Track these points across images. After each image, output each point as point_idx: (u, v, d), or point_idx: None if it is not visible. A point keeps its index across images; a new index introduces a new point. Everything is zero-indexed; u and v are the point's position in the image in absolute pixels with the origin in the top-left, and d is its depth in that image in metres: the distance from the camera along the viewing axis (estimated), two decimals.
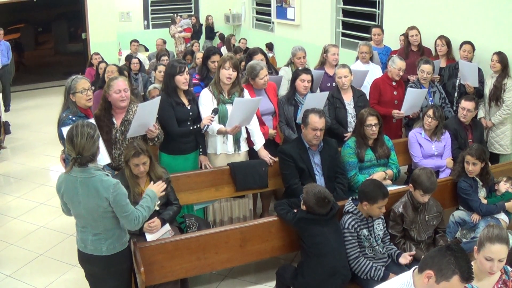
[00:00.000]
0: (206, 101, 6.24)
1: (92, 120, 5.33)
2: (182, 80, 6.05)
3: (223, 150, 6.39)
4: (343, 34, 12.71)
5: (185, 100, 6.16)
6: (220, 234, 5.28)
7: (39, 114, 13.90)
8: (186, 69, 6.10)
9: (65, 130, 5.15)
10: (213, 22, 17.81)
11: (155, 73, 9.42)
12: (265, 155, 6.46)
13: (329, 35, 12.68)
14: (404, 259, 5.22)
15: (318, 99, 6.76)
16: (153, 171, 5.33)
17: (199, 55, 9.82)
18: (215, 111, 6.08)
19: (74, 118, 5.41)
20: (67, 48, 20.15)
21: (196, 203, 6.33)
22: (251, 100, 6.26)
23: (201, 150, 6.41)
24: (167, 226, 5.29)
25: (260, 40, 15.50)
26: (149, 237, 5.14)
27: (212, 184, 6.25)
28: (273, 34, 15.96)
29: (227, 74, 6.17)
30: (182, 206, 5.84)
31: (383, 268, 5.14)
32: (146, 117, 5.57)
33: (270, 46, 14.98)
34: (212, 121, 6.02)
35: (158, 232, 5.20)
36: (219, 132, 6.19)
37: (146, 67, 12.14)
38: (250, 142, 6.56)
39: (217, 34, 17.32)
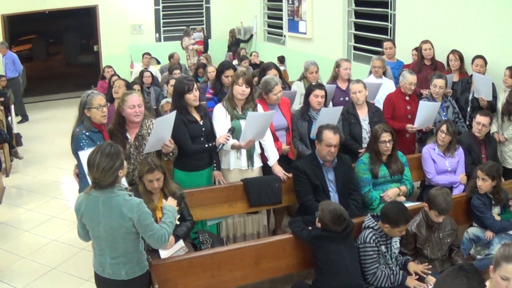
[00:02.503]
0: (220, 117, 6.23)
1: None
2: (192, 98, 6.02)
3: (237, 166, 6.37)
4: (355, 48, 12.70)
5: (197, 116, 6.14)
6: (234, 251, 5.24)
7: (50, 126, 13.95)
8: (195, 85, 6.08)
9: (82, 154, 5.17)
10: (236, 36, 17.90)
11: (168, 87, 9.41)
12: (279, 170, 6.42)
13: (341, 49, 12.67)
14: (414, 266, 5.25)
15: (332, 114, 6.75)
16: (167, 187, 5.31)
17: (210, 69, 9.84)
18: (231, 131, 6.06)
19: (87, 133, 5.42)
20: (78, 60, 20.31)
21: (209, 218, 6.31)
22: (264, 114, 6.25)
23: (215, 165, 6.38)
24: (181, 243, 5.27)
25: (272, 53, 15.55)
26: (163, 253, 5.11)
27: (226, 200, 6.22)
28: (285, 47, 15.97)
29: (240, 90, 6.16)
30: (196, 222, 5.83)
31: (401, 271, 5.15)
32: (162, 132, 5.55)
33: (281, 59, 15.01)
34: (228, 140, 6.01)
35: (172, 249, 5.17)
36: (233, 147, 6.17)
37: (159, 79, 12.17)
38: (264, 158, 6.54)
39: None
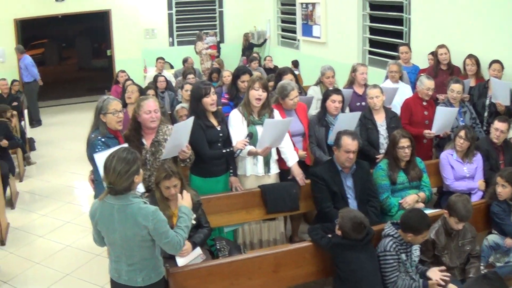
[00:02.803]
0: (236, 122, 6.19)
1: (125, 144, 5.27)
2: (209, 101, 5.98)
3: (253, 172, 6.32)
4: (370, 52, 12.64)
5: (214, 122, 6.10)
6: (253, 259, 5.17)
7: (63, 131, 14.00)
8: (212, 89, 6.04)
9: (97, 157, 5.13)
10: (249, 40, 17.89)
11: (182, 91, 9.36)
12: (298, 173, 6.33)
13: (355, 53, 12.62)
14: (433, 273, 5.11)
15: (349, 119, 6.69)
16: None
17: (226, 74, 9.83)
18: (249, 136, 6.01)
19: (103, 139, 5.40)
20: (91, 64, 20.32)
21: (226, 225, 6.25)
22: (282, 121, 6.18)
23: (231, 172, 6.33)
24: (198, 250, 5.20)
25: (286, 58, 15.54)
26: (180, 261, 5.04)
27: (243, 206, 6.17)
28: (299, 51, 15.95)
29: (257, 94, 6.11)
30: (213, 229, 5.78)
31: (421, 280, 5.06)
32: (180, 138, 5.49)
33: (295, 64, 14.96)
34: (246, 145, 5.95)
35: (189, 256, 5.11)
36: (250, 154, 6.11)
37: (173, 84, 12.14)
38: (281, 164, 6.48)
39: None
